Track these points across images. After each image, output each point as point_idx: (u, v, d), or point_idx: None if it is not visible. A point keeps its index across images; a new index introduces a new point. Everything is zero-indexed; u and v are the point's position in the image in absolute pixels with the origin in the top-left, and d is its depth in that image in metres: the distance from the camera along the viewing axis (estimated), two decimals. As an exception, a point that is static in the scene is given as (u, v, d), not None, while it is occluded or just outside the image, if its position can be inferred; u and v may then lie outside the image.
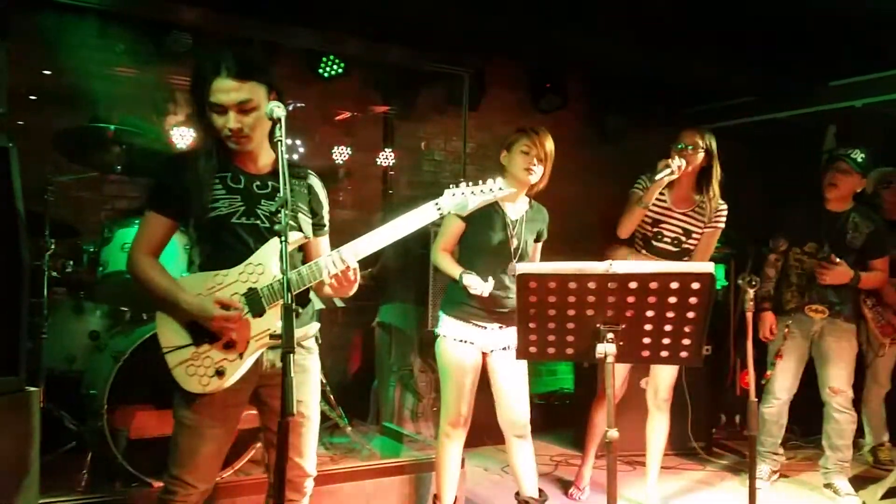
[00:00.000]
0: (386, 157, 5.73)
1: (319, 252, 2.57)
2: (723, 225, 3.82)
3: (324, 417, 4.36)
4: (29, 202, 2.73)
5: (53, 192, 3.77)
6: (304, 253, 2.57)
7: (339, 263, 2.34)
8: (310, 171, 2.59)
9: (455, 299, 3.33)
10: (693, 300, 2.27)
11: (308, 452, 2.53)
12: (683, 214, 3.80)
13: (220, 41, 4.33)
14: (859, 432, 4.93)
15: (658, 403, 3.93)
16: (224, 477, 3.40)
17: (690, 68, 5.44)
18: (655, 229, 3.83)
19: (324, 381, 4.59)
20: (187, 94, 2.42)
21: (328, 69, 5.03)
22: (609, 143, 6.42)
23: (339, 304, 4.59)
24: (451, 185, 2.51)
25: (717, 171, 3.73)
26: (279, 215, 2.12)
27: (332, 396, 4.36)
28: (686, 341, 2.34)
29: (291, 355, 1.93)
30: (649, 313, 2.30)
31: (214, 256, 2.40)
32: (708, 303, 2.28)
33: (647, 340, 2.35)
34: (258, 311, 2.35)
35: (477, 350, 3.32)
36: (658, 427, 3.95)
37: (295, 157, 5.06)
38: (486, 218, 3.25)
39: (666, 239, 3.82)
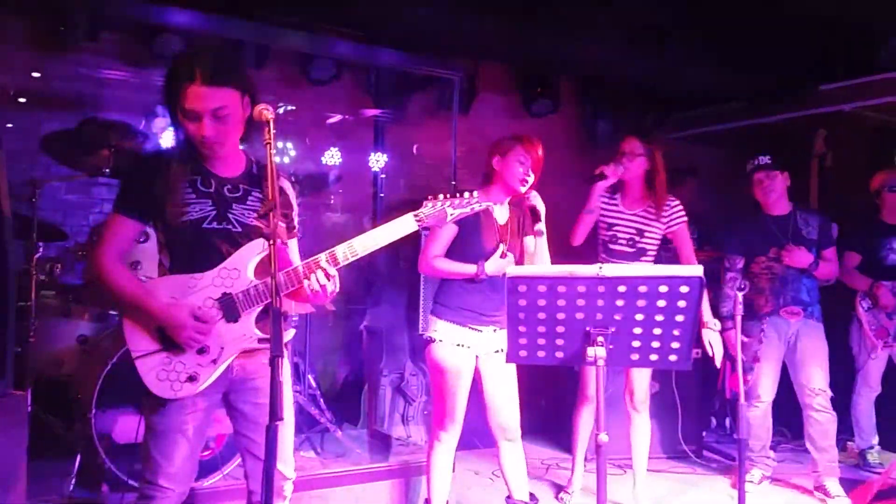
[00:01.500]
0: (377, 161, 5.72)
1: (290, 255, 2.52)
2: (684, 218, 3.96)
3: (314, 421, 4.37)
4: (17, 205, 2.72)
5: (41, 194, 3.76)
6: None
7: (320, 276, 2.30)
8: (280, 173, 2.52)
9: (450, 303, 3.31)
10: (682, 303, 2.27)
11: (285, 456, 2.49)
12: (634, 215, 3.95)
13: (211, 44, 4.32)
14: (848, 434, 4.96)
15: (636, 406, 3.95)
16: (212, 482, 3.39)
17: (680, 73, 5.46)
18: (610, 233, 3.97)
19: (314, 384, 4.60)
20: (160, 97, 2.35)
21: (319, 73, 5.01)
22: (600, 148, 6.42)
23: (330, 307, 4.59)
24: (429, 197, 2.50)
25: (660, 174, 3.88)
26: (268, 219, 2.09)
27: (322, 400, 4.35)
28: (675, 344, 2.34)
29: (280, 359, 1.92)
30: (639, 317, 2.30)
31: (185, 261, 2.34)
32: (697, 306, 2.28)
33: (636, 344, 2.35)
34: (233, 316, 2.32)
35: (472, 354, 3.31)
36: (640, 430, 3.97)
37: (286, 160, 5.05)
38: (475, 223, 3.25)
39: (621, 241, 3.94)
